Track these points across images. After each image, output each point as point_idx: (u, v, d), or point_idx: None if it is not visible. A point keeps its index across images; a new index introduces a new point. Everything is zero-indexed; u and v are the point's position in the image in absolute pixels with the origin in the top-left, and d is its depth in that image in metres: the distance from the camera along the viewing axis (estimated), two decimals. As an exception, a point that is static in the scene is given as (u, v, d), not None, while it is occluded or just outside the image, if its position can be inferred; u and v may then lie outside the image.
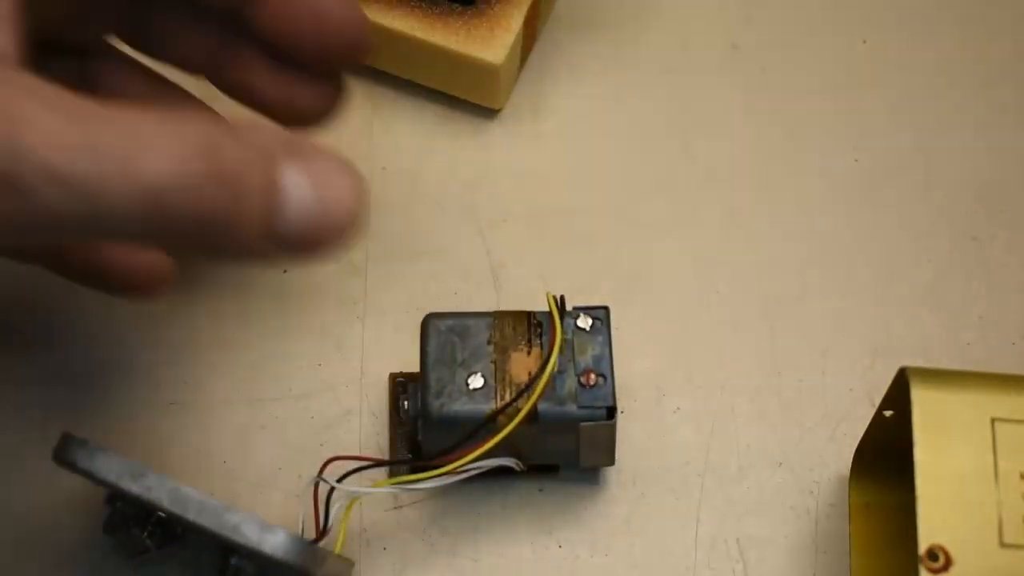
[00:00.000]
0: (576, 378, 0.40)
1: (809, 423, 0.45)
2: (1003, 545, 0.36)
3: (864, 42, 0.53)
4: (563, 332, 0.40)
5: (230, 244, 0.32)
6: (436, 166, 0.50)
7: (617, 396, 0.40)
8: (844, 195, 0.50)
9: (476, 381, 0.40)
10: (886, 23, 0.53)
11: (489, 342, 0.41)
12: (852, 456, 0.43)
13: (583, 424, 0.40)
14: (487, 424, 0.39)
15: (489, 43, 0.48)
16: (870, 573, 0.42)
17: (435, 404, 0.40)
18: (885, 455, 0.42)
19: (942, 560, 0.36)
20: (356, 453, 0.43)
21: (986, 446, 0.37)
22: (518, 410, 0.39)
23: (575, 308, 0.41)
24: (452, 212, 0.49)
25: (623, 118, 0.51)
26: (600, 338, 0.41)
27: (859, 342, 0.47)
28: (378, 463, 0.41)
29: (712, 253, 0.49)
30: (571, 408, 0.40)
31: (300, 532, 0.39)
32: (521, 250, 0.48)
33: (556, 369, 0.40)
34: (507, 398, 0.40)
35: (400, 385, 0.45)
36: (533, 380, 0.39)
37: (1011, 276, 0.48)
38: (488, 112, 0.51)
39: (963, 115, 0.52)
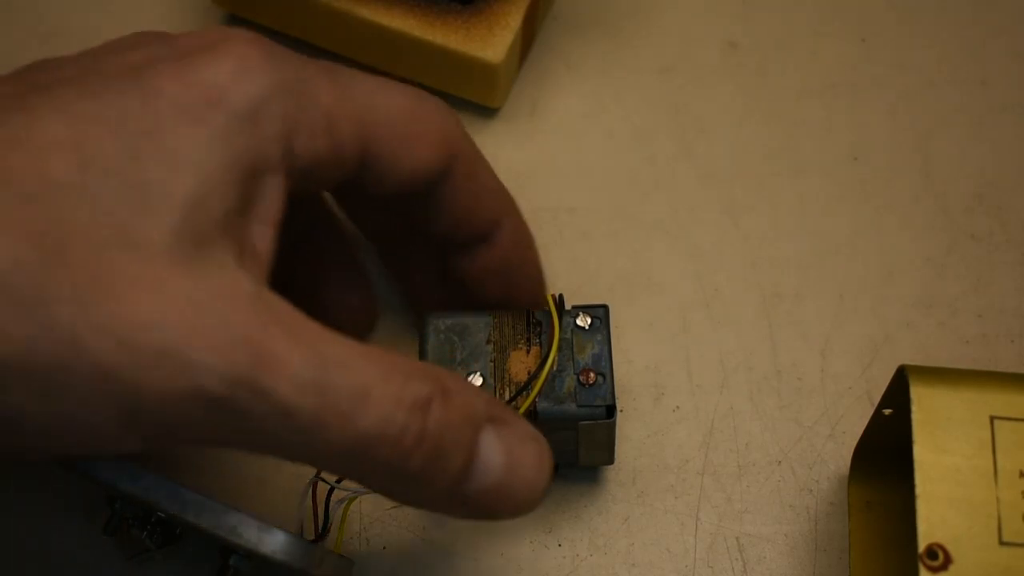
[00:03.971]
0: (575, 377, 0.40)
1: (808, 422, 0.45)
2: (1002, 543, 0.36)
3: (863, 41, 0.53)
4: (561, 331, 0.40)
5: (418, 497, 0.34)
6: (435, 166, 0.50)
7: (616, 395, 0.40)
8: (843, 194, 0.50)
9: (475, 380, 0.40)
10: (885, 22, 0.53)
11: (488, 341, 0.41)
12: (851, 455, 0.43)
13: (582, 423, 0.40)
14: None
15: (488, 42, 0.48)
16: (870, 572, 0.42)
17: None
18: (884, 454, 0.42)
19: (941, 558, 0.36)
20: None
21: (985, 444, 0.37)
22: (517, 408, 0.39)
23: (574, 307, 0.41)
24: (451, 211, 0.49)
25: (622, 117, 0.51)
26: (599, 337, 0.41)
27: (858, 341, 0.47)
28: None
29: (711, 252, 0.49)
30: (570, 407, 0.40)
31: (300, 532, 0.39)
32: (520, 250, 0.48)
33: (555, 368, 0.40)
34: (506, 397, 0.40)
35: None
36: (532, 378, 0.39)
37: (1010, 275, 0.48)
38: (487, 111, 0.51)
39: (963, 115, 0.52)
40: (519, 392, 0.39)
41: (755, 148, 0.51)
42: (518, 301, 0.42)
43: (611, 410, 0.40)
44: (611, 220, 0.49)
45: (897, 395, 0.39)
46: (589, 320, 0.41)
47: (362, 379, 0.32)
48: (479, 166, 0.40)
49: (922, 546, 0.36)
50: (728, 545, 0.44)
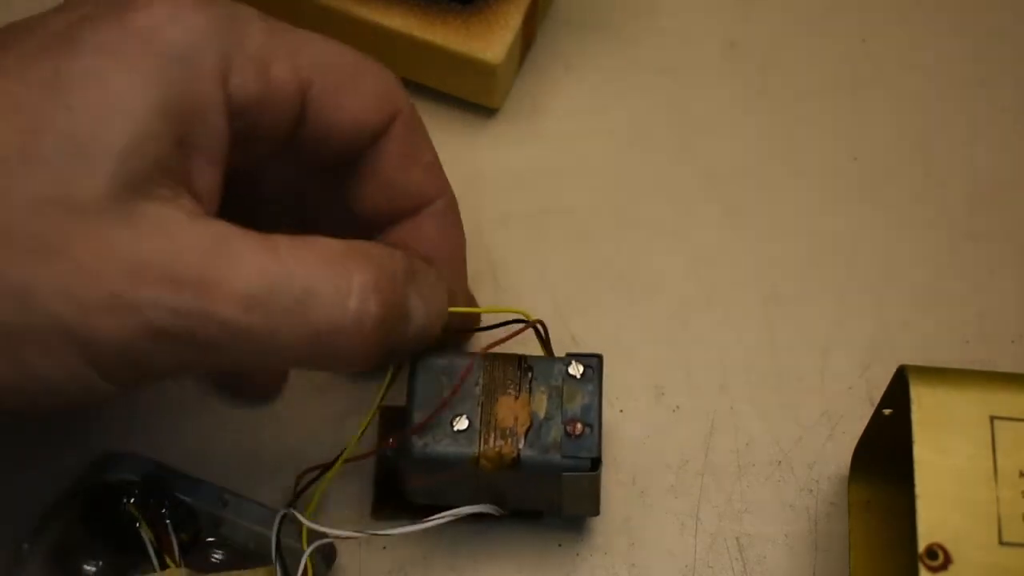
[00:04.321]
0: (562, 427, 0.39)
1: (808, 422, 0.45)
2: (1002, 543, 0.36)
3: (863, 41, 0.53)
4: (552, 378, 0.40)
5: (358, 366, 0.36)
6: (435, 166, 0.50)
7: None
8: (843, 194, 0.50)
9: (461, 423, 0.39)
10: (885, 22, 0.53)
11: (477, 384, 0.40)
12: (852, 455, 0.43)
13: (565, 474, 0.39)
14: (468, 468, 0.39)
15: (488, 42, 0.48)
16: (870, 572, 0.42)
17: (418, 444, 0.39)
18: (884, 454, 0.42)
19: (941, 558, 0.36)
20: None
21: (985, 444, 0.37)
22: (500, 455, 0.39)
23: (568, 355, 0.40)
24: (451, 211, 0.49)
25: (622, 117, 0.51)
26: (590, 387, 0.40)
27: (858, 341, 0.47)
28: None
29: (712, 252, 0.49)
30: (555, 457, 0.39)
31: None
32: (521, 250, 0.48)
33: (545, 415, 0.39)
34: (491, 442, 0.39)
35: (388, 422, 0.44)
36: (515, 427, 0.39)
37: (1010, 275, 0.48)
38: (486, 111, 0.51)
39: (962, 115, 0.52)
40: (503, 439, 0.39)
41: (755, 148, 0.51)
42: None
43: (596, 463, 0.39)
44: (611, 220, 0.49)
45: (897, 395, 0.39)
46: (581, 369, 0.40)
47: (306, 281, 0.34)
48: (418, 135, 0.41)
49: (922, 546, 0.36)
50: (728, 545, 0.44)
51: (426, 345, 0.39)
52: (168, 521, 0.40)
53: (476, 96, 0.50)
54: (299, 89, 0.37)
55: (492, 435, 0.39)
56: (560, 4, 0.53)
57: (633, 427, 0.45)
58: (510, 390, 0.40)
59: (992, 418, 0.37)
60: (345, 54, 0.39)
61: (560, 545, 0.43)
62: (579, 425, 0.39)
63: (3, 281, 0.32)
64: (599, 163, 0.50)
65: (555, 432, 0.39)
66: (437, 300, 0.38)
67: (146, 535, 0.40)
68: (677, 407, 0.46)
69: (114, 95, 0.33)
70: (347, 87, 0.38)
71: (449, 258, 0.42)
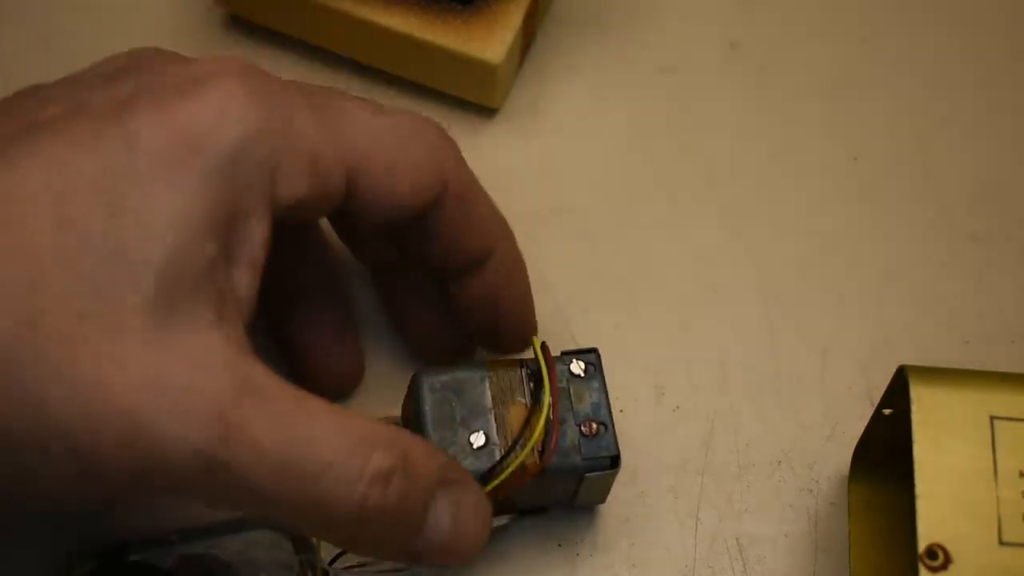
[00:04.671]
0: (577, 428, 0.39)
1: (808, 422, 0.45)
2: (1002, 543, 0.36)
3: (863, 41, 0.53)
4: (557, 380, 0.39)
5: (370, 552, 0.36)
6: (435, 166, 0.50)
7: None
8: (843, 194, 0.50)
9: (479, 439, 0.39)
10: (885, 23, 0.53)
11: (488, 396, 0.39)
12: (851, 455, 0.43)
13: (588, 475, 0.39)
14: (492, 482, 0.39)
15: (488, 42, 0.48)
16: (870, 572, 0.42)
17: None
18: (885, 454, 0.42)
19: (941, 559, 0.36)
20: None
21: (985, 444, 0.37)
22: (525, 468, 0.38)
23: (564, 353, 0.40)
24: (451, 212, 0.49)
25: (622, 117, 0.51)
26: (596, 384, 0.40)
27: (858, 341, 0.47)
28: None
29: (712, 252, 0.49)
30: (575, 459, 0.39)
31: None
32: (521, 250, 0.48)
33: (555, 420, 0.39)
34: (512, 455, 0.38)
35: None
36: (523, 434, 0.39)
37: (1010, 275, 0.48)
38: (486, 111, 0.51)
39: (962, 115, 0.52)
40: (513, 447, 0.39)
41: (755, 148, 0.51)
42: (507, 329, 0.42)
43: (616, 460, 0.39)
44: (611, 220, 0.49)
45: (897, 395, 0.39)
46: (583, 366, 0.40)
47: (327, 453, 0.33)
48: (472, 194, 0.40)
49: (922, 546, 0.36)
50: (728, 545, 0.44)
51: (450, 564, 0.37)
52: None
53: (476, 96, 0.50)
54: (345, 177, 0.36)
55: (511, 447, 0.39)
56: (560, 4, 0.53)
57: (633, 427, 0.45)
58: (519, 398, 0.39)
59: (992, 418, 0.37)
60: (396, 128, 0.37)
61: (560, 545, 0.43)
62: (594, 424, 0.39)
63: (19, 380, 0.30)
64: (599, 163, 0.50)
65: (571, 435, 0.39)
66: (471, 521, 0.36)
67: None
68: (677, 407, 0.46)
69: (159, 202, 0.31)
70: (394, 170, 0.37)
71: (511, 306, 0.42)
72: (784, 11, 0.53)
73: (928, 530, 0.36)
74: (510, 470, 0.38)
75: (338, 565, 0.40)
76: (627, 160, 0.50)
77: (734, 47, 0.53)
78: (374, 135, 0.36)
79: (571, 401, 0.39)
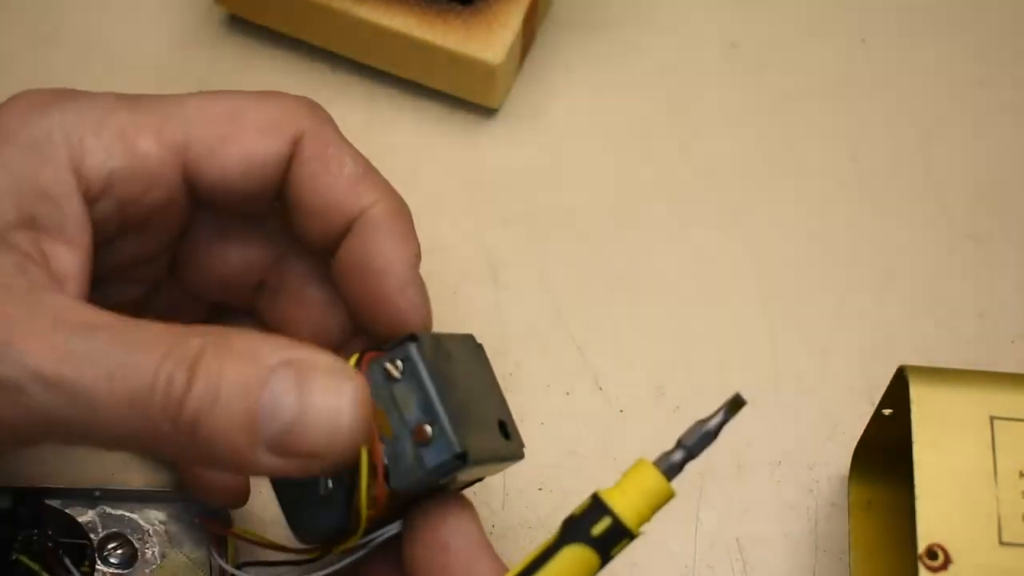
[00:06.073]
0: (411, 437, 0.35)
1: (808, 422, 0.45)
2: (1002, 543, 0.36)
3: (863, 41, 0.53)
4: (376, 388, 0.36)
5: (219, 453, 0.33)
6: (434, 165, 0.50)
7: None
8: (843, 195, 0.50)
9: (325, 486, 0.36)
10: (885, 22, 0.53)
11: None
12: (851, 455, 0.43)
13: (444, 480, 0.36)
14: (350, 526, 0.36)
15: (487, 43, 0.48)
16: (870, 572, 0.42)
17: (300, 530, 0.37)
18: (885, 454, 0.42)
19: (941, 558, 0.36)
20: None
21: (985, 444, 0.37)
22: (376, 501, 0.35)
23: (367, 350, 0.36)
24: (451, 211, 0.49)
25: (622, 117, 0.51)
26: (416, 380, 0.35)
27: (859, 341, 0.47)
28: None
29: (712, 252, 0.49)
30: (421, 475, 0.35)
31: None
32: (521, 250, 0.48)
33: (392, 436, 0.36)
34: (364, 493, 0.35)
35: None
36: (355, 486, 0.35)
37: (1010, 275, 0.48)
38: (486, 111, 0.51)
39: (962, 115, 0.52)
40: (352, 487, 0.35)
41: (755, 148, 0.51)
42: (374, 307, 0.39)
43: (462, 456, 0.35)
44: (611, 220, 0.49)
45: (897, 395, 0.39)
46: (400, 365, 0.36)
47: (128, 342, 0.32)
48: (332, 148, 0.39)
49: (922, 546, 0.36)
50: (728, 545, 0.43)
51: (315, 457, 0.32)
52: (50, 544, 0.40)
53: (476, 96, 0.50)
54: (172, 154, 0.37)
55: (360, 483, 0.35)
56: (560, 4, 0.53)
57: (633, 427, 0.45)
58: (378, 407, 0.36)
59: (992, 418, 0.37)
60: (220, 102, 0.38)
61: (560, 545, 0.43)
62: (427, 428, 0.35)
63: None
64: (599, 163, 0.50)
65: (409, 449, 0.35)
66: (324, 400, 0.32)
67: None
68: (677, 407, 0.46)
69: None
70: (227, 132, 0.38)
71: (390, 270, 0.39)
72: (784, 11, 0.53)
73: (928, 530, 0.36)
74: (363, 508, 0.35)
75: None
76: (627, 160, 0.50)
77: (733, 47, 0.53)
78: (204, 110, 0.38)
79: (399, 409, 0.36)
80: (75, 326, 0.33)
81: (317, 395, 0.32)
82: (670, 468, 0.34)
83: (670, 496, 0.34)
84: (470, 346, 0.39)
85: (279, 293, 0.42)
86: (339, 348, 0.41)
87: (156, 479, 0.43)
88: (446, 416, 0.35)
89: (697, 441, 0.35)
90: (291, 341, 0.33)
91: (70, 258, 0.36)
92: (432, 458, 0.35)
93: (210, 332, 0.33)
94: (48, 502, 0.41)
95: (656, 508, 0.34)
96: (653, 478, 0.34)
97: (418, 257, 0.40)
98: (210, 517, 0.41)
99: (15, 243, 0.35)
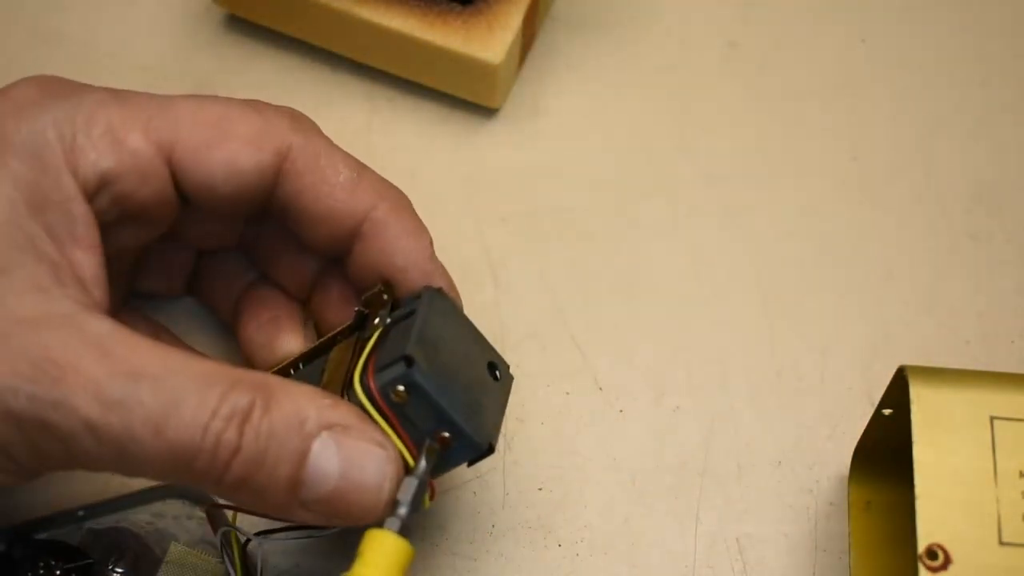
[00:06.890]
0: (432, 443, 0.36)
1: (808, 422, 0.45)
2: (1002, 543, 0.36)
3: (863, 41, 0.53)
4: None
5: (256, 504, 0.35)
6: (435, 165, 0.50)
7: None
8: (843, 194, 0.50)
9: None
10: (885, 22, 0.53)
11: (324, 371, 0.39)
12: (852, 455, 0.43)
13: (401, 388, 0.36)
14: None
15: (488, 42, 0.48)
16: (870, 572, 0.42)
17: None
18: (885, 454, 0.42)
19: (941, 558, 0.36)
20: None
21: (985, 444, 0.37)
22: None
23: (374, 377, 0.36)
24: (451, 211, 0.49)
25: (622, 117, 0.51)
26: (422, 396, 0.36)
27: (858, 341, 0.47)
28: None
29: (711, 252, 0.49)
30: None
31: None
32: (521, 249, 0.48)
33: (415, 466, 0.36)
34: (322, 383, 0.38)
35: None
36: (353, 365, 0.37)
37: (1010, 275, 0.48)
38: (487, 111, 0.51)
39: (963, 114, 0.52)
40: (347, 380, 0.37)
41: (755, 148, 0.51)
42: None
43: (491, 448, 0.37)
44: (611, 220, 0.49)
45: (897, 395, 0.39)
46: (401, 390, 0.36)
47: (174, 393, 0.33)
48: (323, 158, 0.39)
49: (922, 546, 0.36)
50: (728, 545, 0.44)
51: (353, 516, 0.35)
52: (59, 573, 0.40)
53: (476, 96, 0.50)
54: (158, 152, 0.37)
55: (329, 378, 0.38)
56: (560, 4, 0.53)
57: (633, 427, 0.45)
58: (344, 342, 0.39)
59: (992, 418, 0.37)
60: (209, 107, 0.38)
61: (560, 545, 0.43)
62: (446, 435, 0.36)
63: None
64: (599, 162, 0.50)
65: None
66: (364, 466, 0.35)
67: None
68: (677, 407, 0.46)
69: None
70: (213, 138, 0.38)
71: (410, 266, 0.40)
72: (784, 11, 0.53)
73: (928, 530, 0.36)
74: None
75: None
76: (627, 160, 0.50)
77: (733, 47, 0.53)
78: (192, 114, 0.38)
79: (415, 426, 0.36)
80: (121, 372, 0.33)
81: (356, 472, 0.34)
82: (402, 529, 0.35)
83: (411, 553, 0.35)
84: (439, 308, 0.38)
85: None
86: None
87: (126, 480, 0.42)
88: (462, 420, 0.36)
89: (414, 494, 0.36)
90: (331, 400, 0.35)
91: (88, 261, 0.36)
92: (460, 458, 0.37)
93: (257, 387, 0.34)
94: (38, 537, 0.40)
95: (404, 568, 0.35)
96: (391, 542, 0.35)
97: (432, 243, 0.41)
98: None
99: (45, 251, 0.35)
